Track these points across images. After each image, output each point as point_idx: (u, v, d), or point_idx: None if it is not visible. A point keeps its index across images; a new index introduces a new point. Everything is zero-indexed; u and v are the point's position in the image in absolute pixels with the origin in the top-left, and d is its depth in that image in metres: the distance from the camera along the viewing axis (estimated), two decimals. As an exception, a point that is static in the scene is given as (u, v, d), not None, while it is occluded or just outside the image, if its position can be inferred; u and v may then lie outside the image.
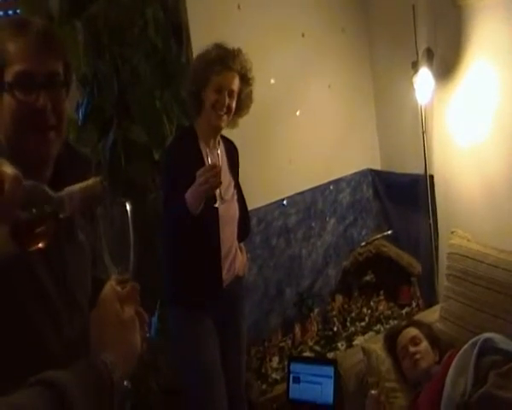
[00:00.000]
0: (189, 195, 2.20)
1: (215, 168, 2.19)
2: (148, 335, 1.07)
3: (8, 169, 0.83)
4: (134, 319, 1.00)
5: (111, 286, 1.01)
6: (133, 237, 1.02)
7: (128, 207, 1.00)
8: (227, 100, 2.34)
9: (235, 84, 2.37)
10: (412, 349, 2.51)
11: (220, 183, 2.22)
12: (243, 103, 2.46)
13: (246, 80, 2.43)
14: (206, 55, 2.39)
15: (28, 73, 1.17)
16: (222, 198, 2.40)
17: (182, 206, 2.20)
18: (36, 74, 1.17)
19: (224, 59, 2.34)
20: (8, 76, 1.17)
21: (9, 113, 1.18)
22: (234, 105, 2.38)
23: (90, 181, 1.06)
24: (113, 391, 0.89)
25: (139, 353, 0.99)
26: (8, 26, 1.22)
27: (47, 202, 0.95)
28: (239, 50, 2.40)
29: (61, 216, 1.01)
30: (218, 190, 2.33)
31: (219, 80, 2.33)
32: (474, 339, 2.33)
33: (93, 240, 1.29)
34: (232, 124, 2.50)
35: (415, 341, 2.54)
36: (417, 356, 2.49)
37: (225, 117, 2.36)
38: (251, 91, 2.47)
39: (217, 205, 2.35)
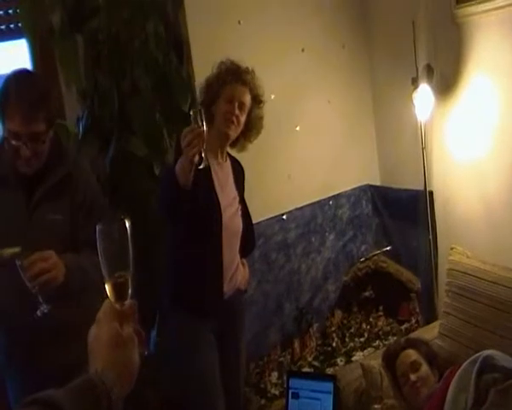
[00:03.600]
0: (178, 166, 2.11)
1: (198, 129, 2.06)
2: (146, 352, 1.06)
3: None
4: (133, 337, 0.99)
5: (109, 304, 1.00)
6: (132, 254, 1.01)
7: (127, 223, 0.99)
8: (237, 110, 2.36)
9: (246, 98, 2.40)
10: (413, 377, 2.44)
11: (204, 143, 2.07)
12: (253, 125, 2.48)
13: (257, 101, 2.46)
14: (220, 66, 2.46)
15: (16, 132, 1.84)
16: (207, 161, 2.14)
17: (172, 181, 2.11)
18: (21, 134, 1.83)
19: (237, 71, 2.42)
20: (5, 128, 1.87)
21: (8, 149, 1.90)
22: (243, 119, 2.39)
23: None
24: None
25: (137, 371, 0.97)
26: (11, 92, 1.85)
27: None
28: (252, 70, 2.46)
29: None
30: (202, 152, 2.11)
31: (231, 90, 2.37)
32: (474, 356, 2.30)
33: None
34: (241, 147, 2.54)
35: (415, 366, 2.47)
36: (419, 384, 2.44)
37: (234, 127, 2.37)
38: (262, 117, 2.50)
39: (201, 166, 2.12)
